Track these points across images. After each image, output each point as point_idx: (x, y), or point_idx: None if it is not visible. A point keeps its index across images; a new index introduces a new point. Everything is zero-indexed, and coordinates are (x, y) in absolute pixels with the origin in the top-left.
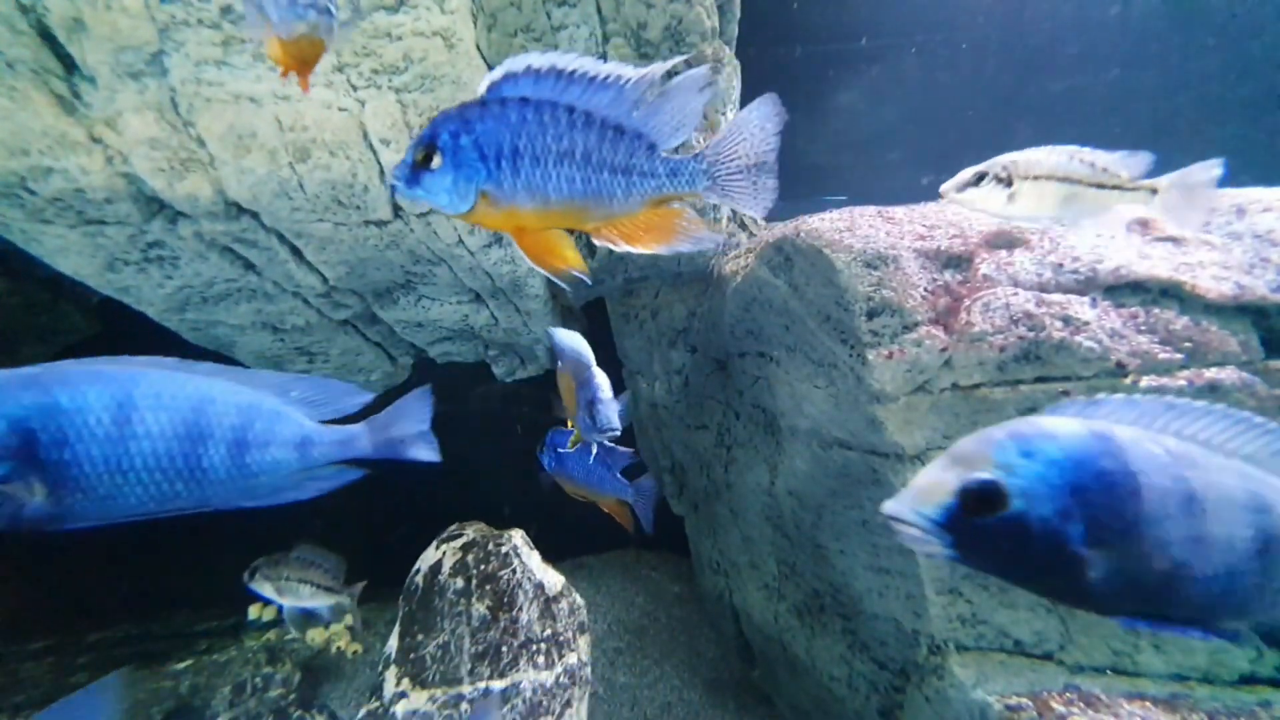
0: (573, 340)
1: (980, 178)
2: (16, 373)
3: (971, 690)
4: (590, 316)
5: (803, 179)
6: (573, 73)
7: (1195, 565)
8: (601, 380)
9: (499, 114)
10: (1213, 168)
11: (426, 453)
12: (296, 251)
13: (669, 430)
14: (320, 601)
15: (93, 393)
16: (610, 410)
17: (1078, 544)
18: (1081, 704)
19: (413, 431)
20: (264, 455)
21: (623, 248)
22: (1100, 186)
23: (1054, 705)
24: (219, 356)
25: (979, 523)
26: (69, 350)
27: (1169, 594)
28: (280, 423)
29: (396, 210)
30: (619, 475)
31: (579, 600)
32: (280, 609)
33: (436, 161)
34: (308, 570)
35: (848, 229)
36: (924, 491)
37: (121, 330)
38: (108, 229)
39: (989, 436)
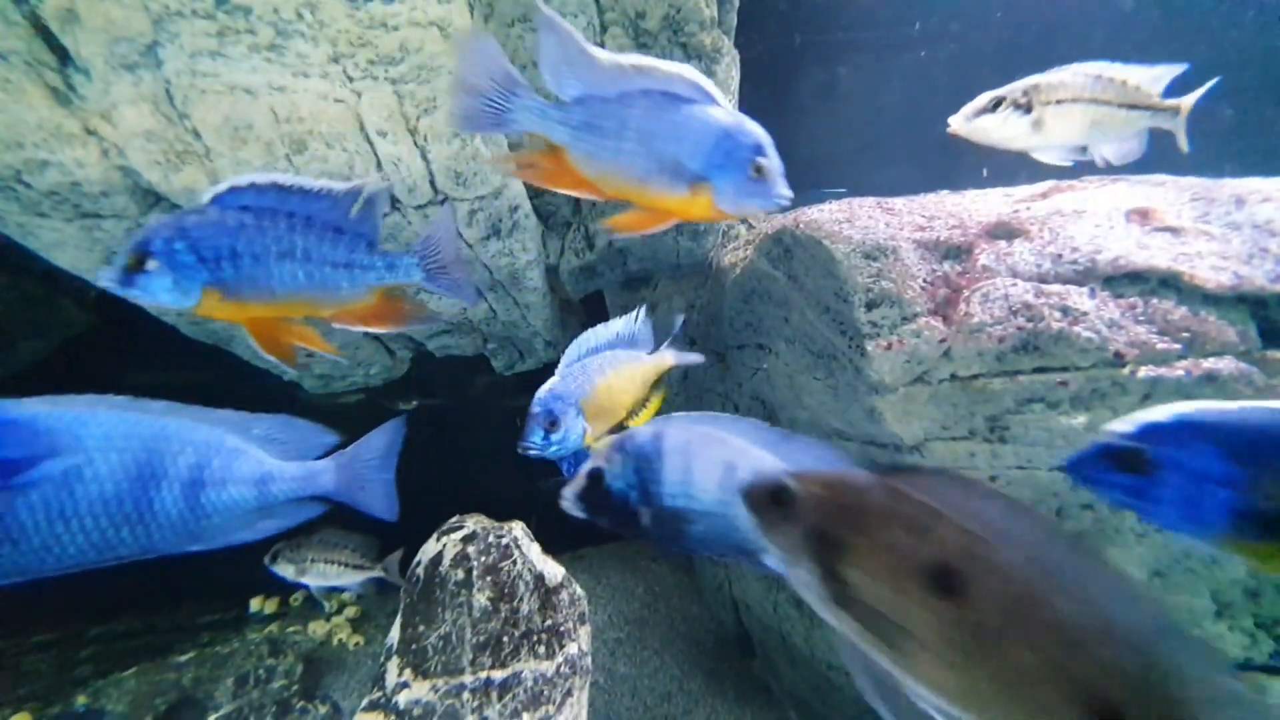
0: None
1: (997, 104)
2: None
3: None
4: (588, 310)
5: (801, 171)
6: (291, 186)
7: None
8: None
9: (218, 220)
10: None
11: (381, 509)
12: None
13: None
14: (349, 579)
15: (33, 435)
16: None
17: (636, 504)
18: None
19: (374, 479)
20: (220, 494)
21: (359, 328)
22: (1130, 107)
23: None
24: (217, 351)
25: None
26: (67, 345)
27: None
28: (238, 459)
29: (394, 203)
30: None
31: (579, 591)
32: (295, 591)
33: (152, 265)
34: (332, 551)
35: (847, 220)
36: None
37: (119, 325)
38: (104, 222)
39: (612, 444)
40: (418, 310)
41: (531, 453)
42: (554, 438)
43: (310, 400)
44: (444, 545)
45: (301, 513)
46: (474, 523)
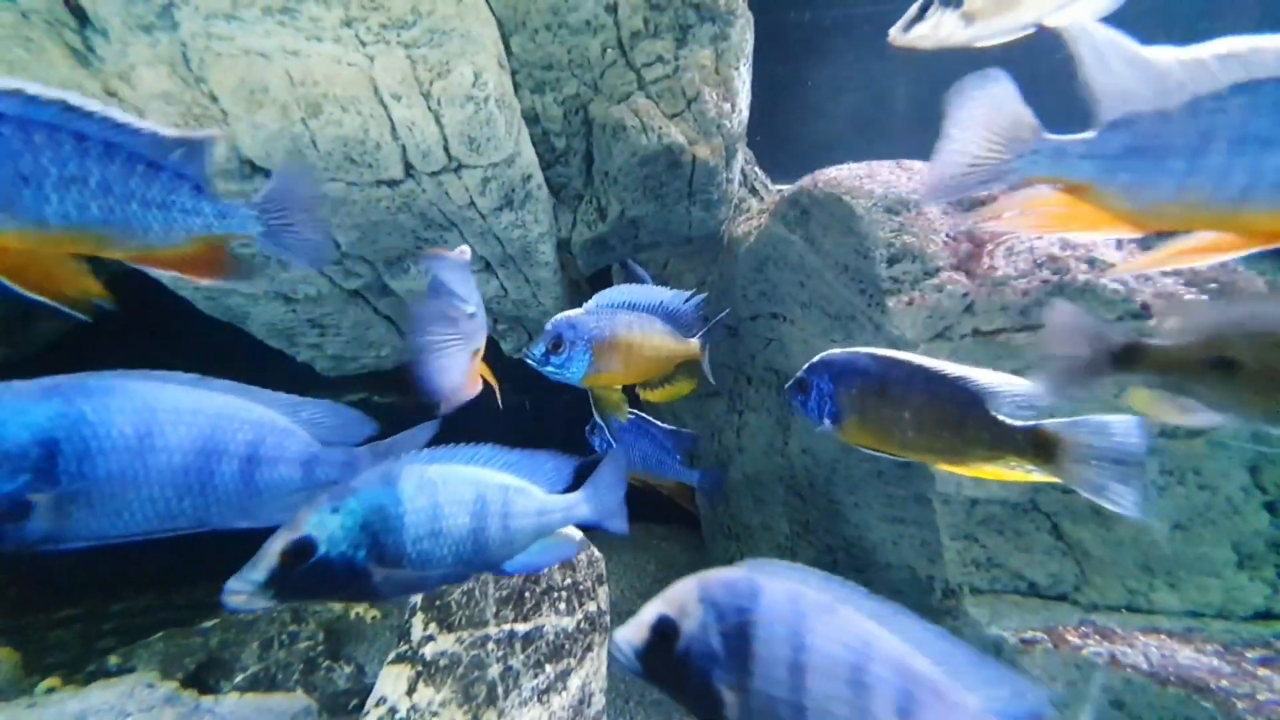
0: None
1: (925, 8)
2: (37, 383)
3: (986, 627)
4: (596, 289)
5: (806, 151)
6: (81, 107)
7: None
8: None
9: None
10: None
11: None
12: None
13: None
14: None
15: (115, 404)
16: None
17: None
18: (1097, 636)
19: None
20: (271, 472)
21: (171, 274)
22: None
23: (1069, 637)
24: (232, 329)
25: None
26: (83, 327)
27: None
28: (289, 440)
29: (408, 169)
30: (680, 459)
31: (597, 554)
32: None
33: None
34: None
35: (867, 176)
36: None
37: (134, 306)
38: None
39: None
40: (237, 266)
41: (529, 362)
42: (555, 359)
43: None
44: None
45: None
46: None
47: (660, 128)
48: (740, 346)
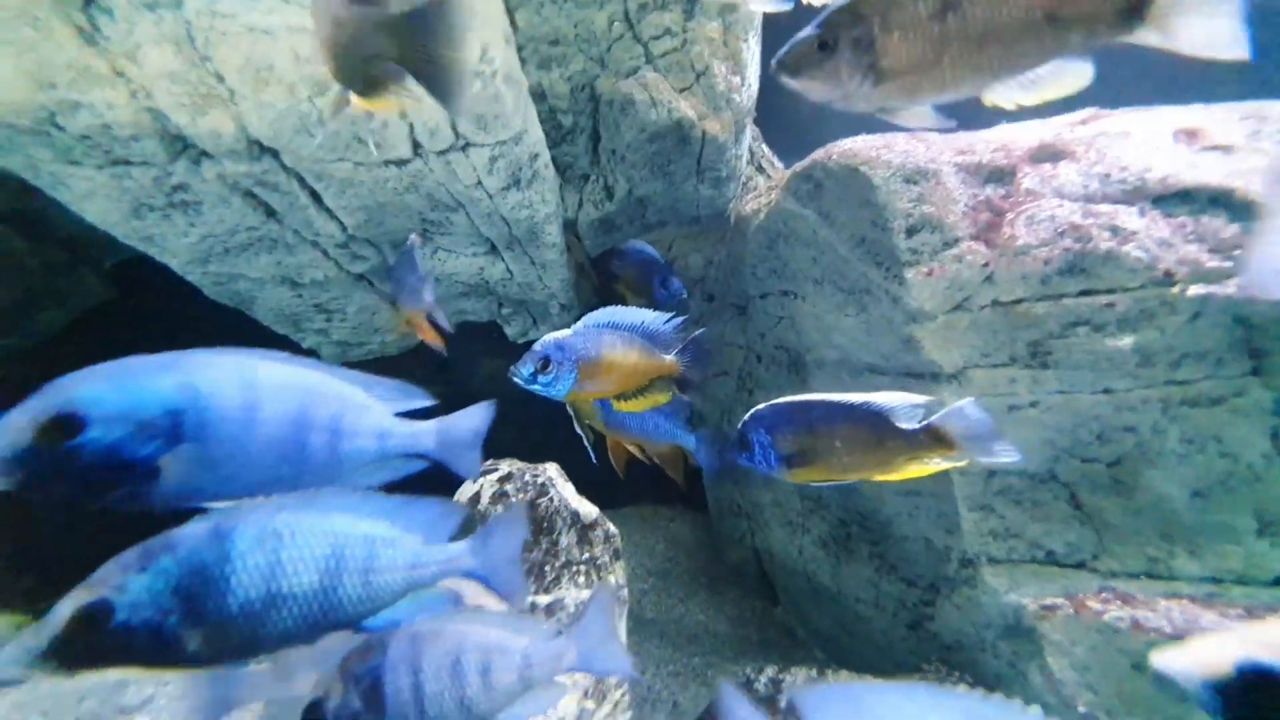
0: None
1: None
2: (157, 358)
3: (1004, 595)
4: (599, 273)
5: (807, 128)
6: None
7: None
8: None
9: None
10: None
11: (465, 469)
12: (316, 197)
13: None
14: None
15: (227, 378)
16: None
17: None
18: (1119, 601)
19: (466, 442)
20: (352, 444)
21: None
22: None
23: (1090, 603)
24: (239, 315)
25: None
26: (87, 316)
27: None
28: (366, 414)
29: (416, 148)
30: (680, 423)
31: (613, 529)
32: None
33: None
34: None
35: (884, 146)
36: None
37: (136, 296)
38: (133, 170)
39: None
40: None
41: (516, 381)
42: (541, 379)
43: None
44: (481, 485)
45: (409, 466)
46: (508, 464)
47: (669, 102)
48: (750, 325)
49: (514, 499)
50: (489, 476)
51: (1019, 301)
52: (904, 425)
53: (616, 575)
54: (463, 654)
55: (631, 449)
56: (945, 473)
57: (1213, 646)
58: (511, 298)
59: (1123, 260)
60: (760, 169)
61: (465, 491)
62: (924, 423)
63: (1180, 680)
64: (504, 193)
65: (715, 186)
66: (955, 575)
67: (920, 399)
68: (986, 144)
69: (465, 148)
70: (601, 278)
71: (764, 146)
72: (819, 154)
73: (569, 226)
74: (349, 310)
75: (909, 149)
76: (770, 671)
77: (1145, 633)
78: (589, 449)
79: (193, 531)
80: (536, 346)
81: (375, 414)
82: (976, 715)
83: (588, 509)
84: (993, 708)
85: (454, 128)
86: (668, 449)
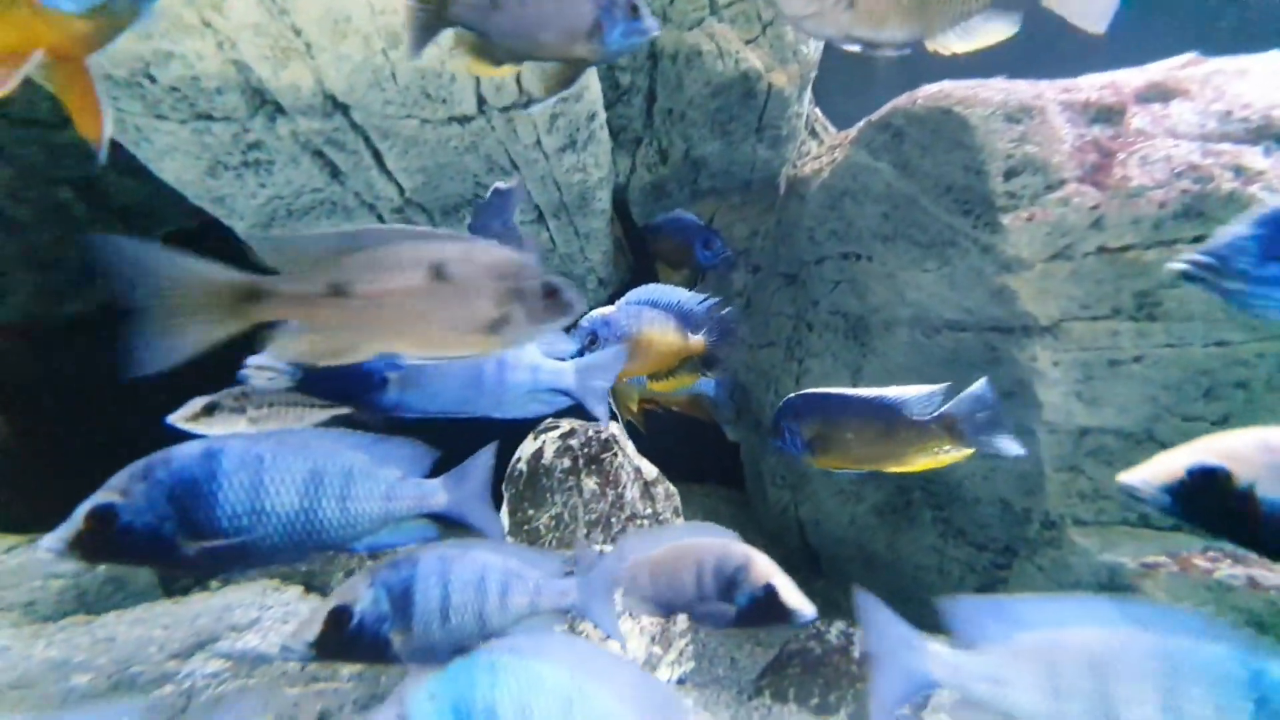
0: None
1: None
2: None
3: (1098, 555)
4: (634, 249)
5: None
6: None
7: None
8: None
9: None
10: None
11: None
12: (379, 157)
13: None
14: (315, 419)
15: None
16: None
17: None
18: (1229, 560)
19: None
20: (514, 375)
21: None
22: None
23: (1197, 561)
24: None
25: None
26: None
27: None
28: (525, 352)
29: (481, 103)
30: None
31: (672, 488)
32: None
33: None
34: (275, 394)
35: (980, 85)
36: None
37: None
38: (214, 125)
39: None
40: None
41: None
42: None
43: None
44: (543, 442)
45: (554, 402)
46: (567, 424)
47: (737, 52)
48: (801, 293)
49: (579, 454)
50: (550, 434)
51: (1128, 248)
52: (915, 417)
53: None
54: (487, 574)
55: (646, 405)
56: (1031, 431)
57: (1166, 459)
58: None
59: (1248, 202)
60: (814, 133)
61: (526, 448)
62: (939, 412)
63: (1140, 490)
64: (560, 154)
65: (773, 147)
66: (1036, 537)
67: (937, 388)
68: (1092, 83)
69: (528, 104)
70: (637, 254)
71: (817, 110)
72: (901, 100)
73: (619, 193)
74: None
75: (1009, 86)
76: (840, 625)
77: (1264, 590)
78: (617, 414)
79: (188, 450)
80: (584, 322)
81: (533, 352)
82: (1129, 616)
83: (648, 467)
84: (1142, 609)
85: (519, 81)
86: (685, 398)
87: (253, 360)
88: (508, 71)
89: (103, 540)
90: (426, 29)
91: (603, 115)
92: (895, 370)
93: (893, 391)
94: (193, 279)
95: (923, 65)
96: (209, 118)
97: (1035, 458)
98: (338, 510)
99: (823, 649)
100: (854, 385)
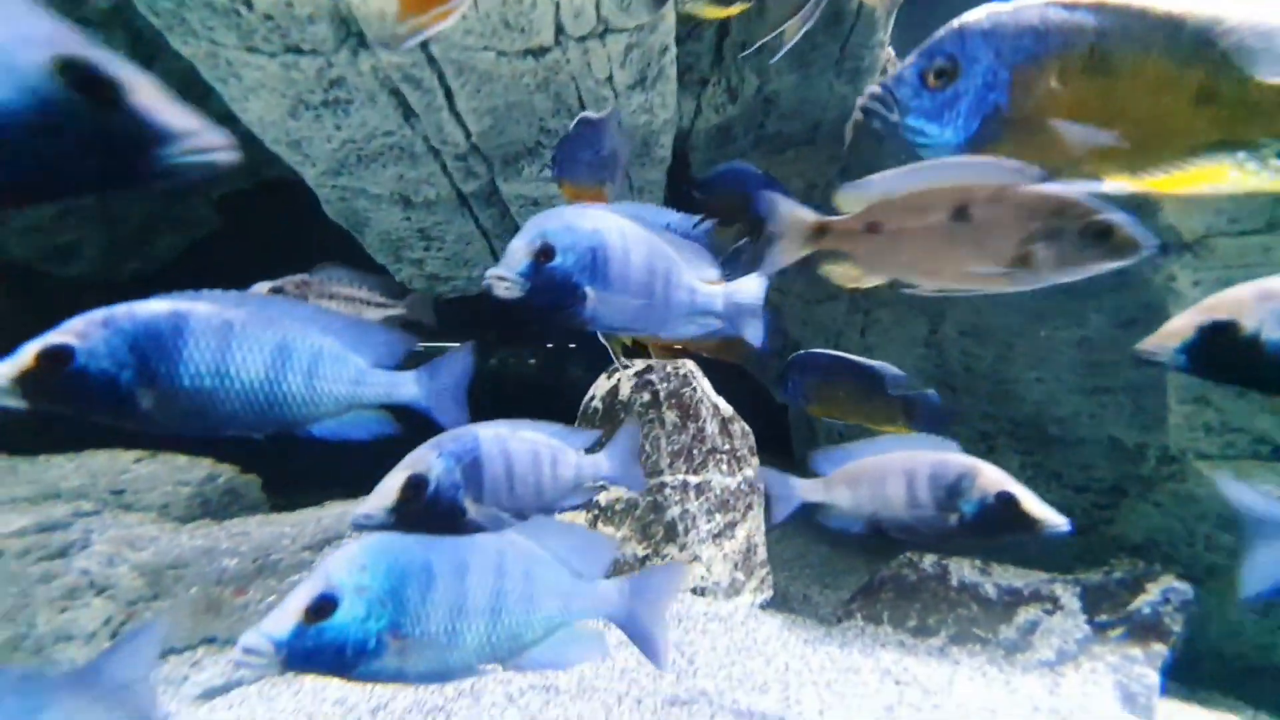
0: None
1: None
2: (574, 209)
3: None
4: (680, 206)
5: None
6: None
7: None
8: None
9: None
10: None
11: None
12: (450, 97)
13: (781, 312)
14: (370, 318)
15: (614, 226)
16: None
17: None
18: None
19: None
20: (676, 294)
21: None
22: None
23: None
24: (333, 246)
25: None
26: (200, 243)
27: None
28: (686, 270)
29: (559, 32)
30: None
31: (747, 427)
32: None
33: None
34: (344, 287)
35: None
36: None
37: (243, 227)
38: (302, 60)
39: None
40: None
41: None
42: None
43: None
44: (618, 380)
45: (709, 323)
46: (642, 361)
47: None
48: None
49: (659, 388)
50: (625, 372)
51: None
52: (890, 391)
53: (754, 468)
54: (538, 449)
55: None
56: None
57: (1175, 323)
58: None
59: None
60: (884, 72)
61: (600, 386)
62: (902, 393)
63: (1158, 354)
64: (630, 92)
65: (851, 81)
66: (1153, 474)
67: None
68: None
69: (604, 34)
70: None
71: (891, 49)
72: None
73: (681, 139)
74: (448, 239)
75: None
76: (932, 558)
77: None
78: (616, 360)
79: (155, 305)
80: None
81: (687, 272)
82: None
83: (725, 405)
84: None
85: (598, 9)
86: (714, 342)
87: (492, 271)
88: (737, 10)
89: (53, 383)
90: None
91: (674, 50)
92: (987, 308)
93: (880, 365)
94: (798, 217)
95: None
96: (298, 50)
97: (1154, 390)
98: (303, 386)
99: (918, 576)
100: (933, 331)
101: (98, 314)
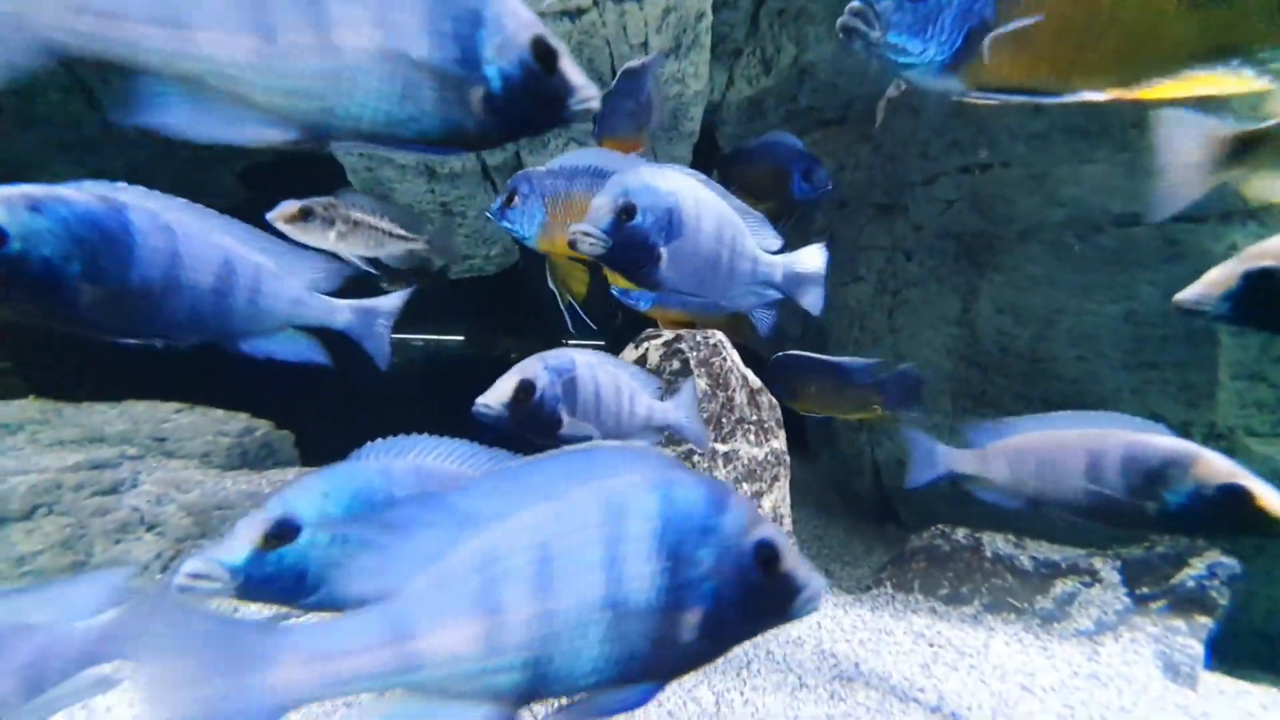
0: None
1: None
2: (649, 168)
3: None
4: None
5: None
6: None
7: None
8: None
9: None
10: None
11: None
12: None
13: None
14: (389, 250)
15: (689, 189)
16: None
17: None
18: None
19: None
20: (740, 263)
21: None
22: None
23: None
24: None
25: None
26: (224, 214)
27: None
28: (749, 236)
29: None
30: None
31: (774, 400)
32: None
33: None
34: (371, 215)
35: None
36: None
37: (263, 196)
38: None
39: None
40: None
41: (489, 216)
42: (510, 211)
43: None
44: (646, 349)
45: (765, 293)
46: (671, 331)
47: None
48: (898, 222)
49: (689, 356)
50: (653, 341)
51: None
52: (858, 382)
53: (780, 441)
54: (620, 383)
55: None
56: (1211, 335)
57: (1217, 272)
58: None
59: None
60: None
61: (628, 356)
62: (870, 380)
63: (1200, 302)
64: (663, 59)
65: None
66: None
67: (875, 361)
68: None
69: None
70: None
71: None
72: None
73: (710, 112)
74: (469, 214)
75: None
76: (965, 529)
77: None
78: (567, 319)
79: (78, 193)
80: (509, 181)
81: (751, 243)
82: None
83: (753, 376)
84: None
85: None
86: (722, 319)
87: (576, 227)
88: None
89: None
90: None
91: (710, 17)
92: (1027, 285)
93: (847, 360)
94: (1209, 131)
95: None
96: None
97: (1204, 365)
98: (246, 302)
99: (951, 546)
100: (966, 310)
101: (14, 194)
